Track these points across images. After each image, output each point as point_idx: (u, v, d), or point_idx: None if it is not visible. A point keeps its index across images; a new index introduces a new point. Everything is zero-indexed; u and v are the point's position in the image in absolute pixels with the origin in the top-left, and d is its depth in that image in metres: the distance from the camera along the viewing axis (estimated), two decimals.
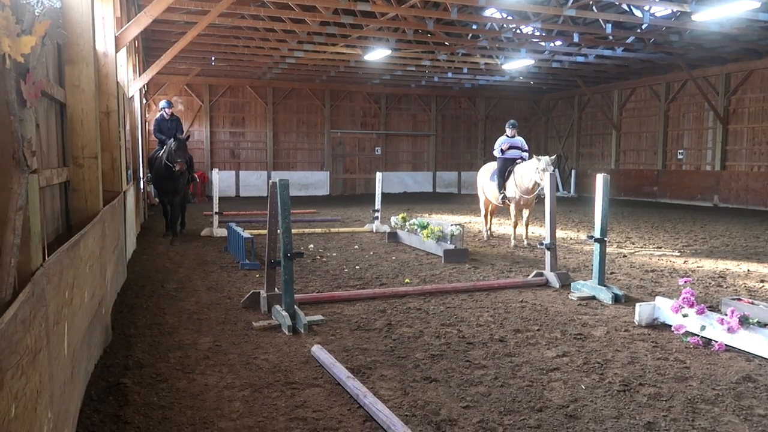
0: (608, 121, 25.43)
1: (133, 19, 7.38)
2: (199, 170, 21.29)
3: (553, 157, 9.89)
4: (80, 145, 4.39)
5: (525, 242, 10.72)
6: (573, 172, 27.29)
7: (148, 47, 17.61)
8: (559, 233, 12.45)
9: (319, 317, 5.65)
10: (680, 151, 22.43)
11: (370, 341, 5.09)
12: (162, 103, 12.00)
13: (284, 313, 5.39)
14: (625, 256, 9.74)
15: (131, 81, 11.48)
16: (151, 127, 13.41)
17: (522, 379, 4.21)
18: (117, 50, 6.77)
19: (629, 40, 17.65)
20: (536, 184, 10.09)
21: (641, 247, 10.70)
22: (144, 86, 15.45)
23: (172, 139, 10.77)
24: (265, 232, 6.70)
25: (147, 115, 18.58)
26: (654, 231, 13.13)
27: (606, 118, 25.47)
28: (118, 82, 7.02)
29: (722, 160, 20.61)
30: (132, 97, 11.47)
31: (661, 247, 10.67)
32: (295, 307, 5.48)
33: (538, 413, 3.65)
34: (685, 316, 5.17)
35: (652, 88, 23.41)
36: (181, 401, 3.78)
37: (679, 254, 9.88)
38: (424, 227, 9.99)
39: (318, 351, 4.59)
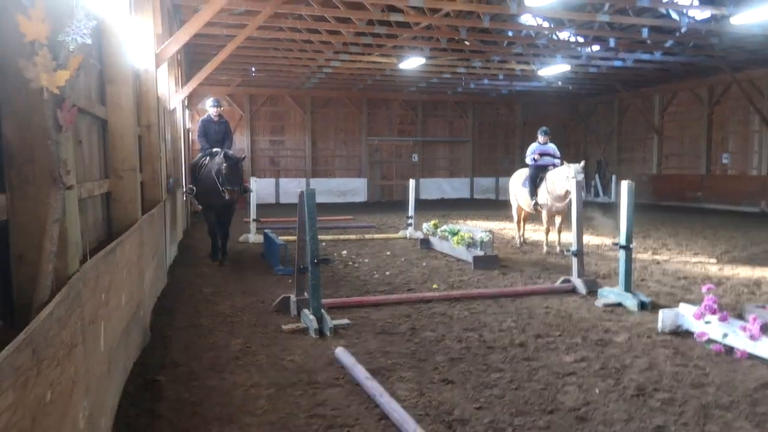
0: (649, 126, 24.94)
1: (173, 36, 7.79)
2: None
3: (582, 164, 9.85)
4: (120, 158, 4.73)
5: (557, 249, 10.70)
6: (613, 177, 26.83)
7: (190, 60, 18.29)
8: (594, 240, 12.35)
9: (345, 321, 5.86)
10: (724, 155, 21.81)
11: (393, 344, 5.26)
12: (208, 102, 9.83)
13: (311, 316, 5.61)
14: (658, 263, 9.62)
15: (173, 94, 11.99)
16: (195, 131, 11.78)
17: (537, 383, 4.31)
18: (157, 67, 7.17)
19: (668, 44, 17.33)
20: (568, 192, 10.07)
21: (677, 254, 10.54)
22: (186, 98, 16.05)
23: (222, 155, 8.69)
24: (294, 238, 6.95)
25: (189, 126, 19.23)
26: (693, 237, 12.87)
27: (647, 122, 24.99)
28: (158, 97, 7.43)
29: None
30: (174, 109, 11.96)
31: (697, 254, 10.48)
32: (322, 311, 5.70)
33: (548, 415, 3.76)
34: (707, 323, 5.16)
35: (694, 91, 22.86)
36: (211, 398, 4.03)
37: (715, 261, 9.70)
38: (454, 234, 10.11)
39: (341, 353, 4.79)
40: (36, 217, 2.25)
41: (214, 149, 9.19)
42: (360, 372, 4.30)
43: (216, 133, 9.56)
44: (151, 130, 6.84)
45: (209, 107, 9.71)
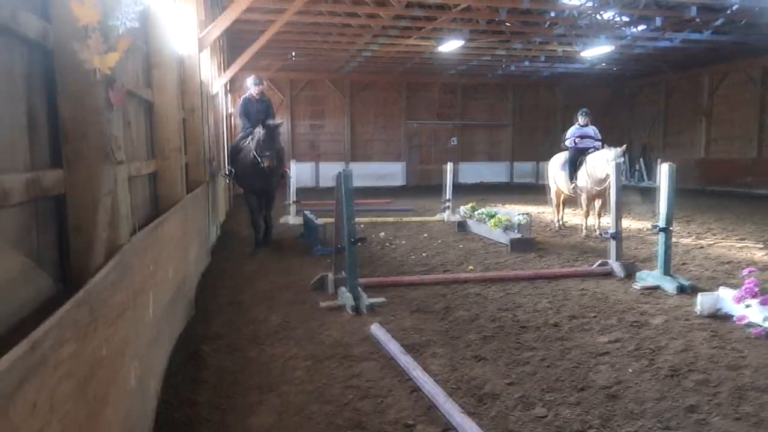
0: (697, 108, 24.12)
1: (215, 21, 7.99)
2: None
3: (623, 148, 9.65)
4: (165, 139, 4.94)
5: (596, 233, 10.57)
6: (659, 161, 26.08)
7: (231, 45, 18.60)
8: (635, 224, 12.14)
9: (381, 299, 5.98)
10: None
11: (427, 322, 5.37)
12: (249, 80, 9.45)
13: (348, 294, 5.76)
14: (701, 247, 9.41)
15: (215, 78, 12.26)
16: (236, 111, 11.35)
17: (569, 362, 4.35)
18: (200, 51, 7.38)
19: (718, 23, 16.69)
20: (608, 176, 9.90)
21: (722, 239, 10.27)
22: (227, 82, 16.37)
23: (260, 126, 8.42)
24: (332, 220, 7.10)
25: (231, 110, 19.62)
26: (739, 222, 12.49)
27: (695, 104, 24.17)
28: (201, 81, 7.65)
29: None
30: (216, 94, 12.25)
31: (743, 239, 10.19)
32: (359, 288, 5.84)
33: (579, 392, 3.80)
34: (747, 306, 5.07)
35: (747, 72, 21.95)
36: (251, 368, 4.22)
37: (762, 246, 9.42)
38: (491, 216, 10.11)
39: (376, 329, 4.92)
40: (89, 190, 2.42)
41: (254, 130, 8.71)
42: (394, 347, 4.42)
43: (258, 112, 9.11)
44: (195, 113, 7.06)
45: (250, 85, 9.38)
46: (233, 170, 9.55)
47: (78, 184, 2.41)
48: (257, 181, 8.76)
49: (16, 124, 2.05)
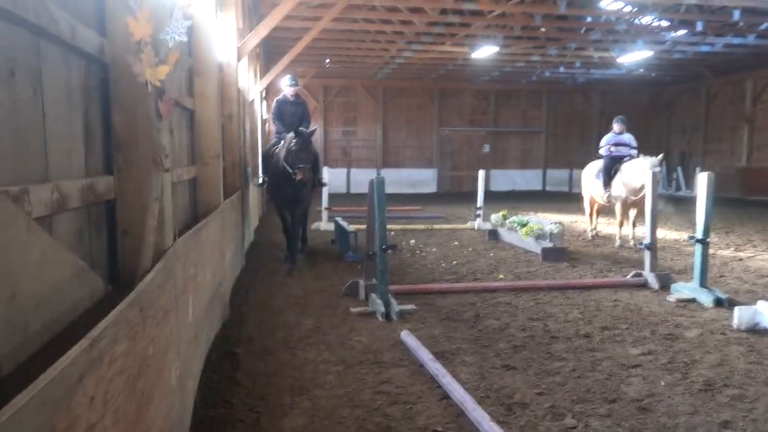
0: (740, 115, 23.51)
1: (253, 30, 8.18)
2: None
3: (660, 157, 9.51)
4: (206, 146, 5.10)
5: (631, 243, 10.41)
6: (698, 170, 25.49)
7: (267, 52, 18.93)
8: (672, 234, 11.92)
9: (411, 307, 6.03)
10: None
11: (457, 330, 5.39)
12: (284, 80, 8.82)
13: (379, 300, 5.83)
14: (741, 259, 9.19)
15: (252, 85, 12.52)
16: (270, 116, 10.44)
17: (600, 373, 4.33)
18: (238, 60, 7.57)
19: (762, 27, 16.28)
20: (644, 185, 9.75)
21: (763, 251, 10.01)
22: (264, 89, 16.67)
23: (293, 134, 7.73)
24: (364, 227, 7.19)
25: (265, 116, 19.96)
26: None
27: (737, 111, 23.56)
28: (239, 89, 7.84)
29: None
30: (252, 100, 12.50)
31: None
32: (389, 295, 5.90)
33: (610, 404, 3.79)
34: None
35: None
36: (284, 371, 4.32)
37: None
38: (523, 225, 10.06)
39: (406, 336, 4.97)
40: (138, 196, 2.54)
41: (289, 135, 7.96)
42: (424, 354, 4.47)
43: (292, 115, 8.57)
44: (233, 120, 7.24)
45: (285, 86, 8.74)
46: (265, 179, 8.90)
47: (128, 191, 2.54)
48: (289, 193, 8.06)
49: (73, 133, 2.19)
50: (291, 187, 7.91)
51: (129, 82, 2.48)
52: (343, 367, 4.40)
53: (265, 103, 18.98)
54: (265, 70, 15.57)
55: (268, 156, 8.88)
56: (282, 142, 8.18)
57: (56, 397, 1.13)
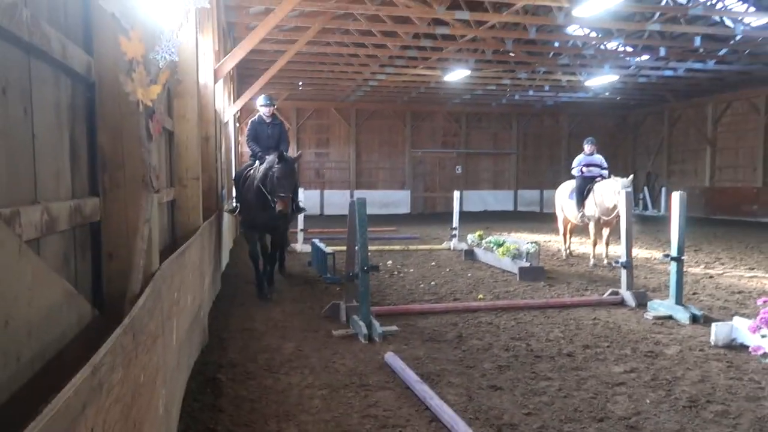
0: (702, 137, 24.30)
1: (230, 53, 8.15)
2: None
3: (631, 177, 9.74)
4: (185, 167, 5.02)
5: (605, 261, 10.58)
6: (663, 190, 26.18)
7: (241, 75, 18.89)
8: (643, 253, 12.15)
9: (393, 328, 5.98)
10: None
11: (441, 351, 5.36)
12: (260, 100, 8.17)
13: (361, 322, 5.76)
14: (711, 276, 9.40)
15: (226, 107, 12.45)
16: (243, 138, 9.60)
17: (586, 392, 4.33)
18: (215, 82, 7.52)
19: (722, 53, 16.96)
20: (616, 206, 9.94)
21: (731, 268, 10.26)
22: (238, 111, 16.59)
23: (275, 157, 7.07)
24: (343, 248, 7.14)
25: (240, 138, 19.84)
26: (748, 252, 12.49)
27: (699, 133, 24.36)
28: (215, 110, 7.78)
29: None
30: (227, 122, 12.41)
31: (753, 269, 10.18)
32: (371, 317, 5.85)
33: (598, 423, 3.79)
34: (763, 336, 5.05)
35: (751, 101, 22.19)
36: (268, 396, 4.22)
37: None
38: (500, 245, 10.13)
39: (391, 358, 4.92)
40: (125, 218, 2.47)
41: (266, 156, 7.45)
42: (410, 376, 4.42)
43: (269, 137, 7.96)
44: (209, 141, 7.16)
45: (260, 106, 8.12)
46: (237, 205, 8.09)
47: (114, 212, 2.47)
48: (263, 219, 7.42)
49: (61, 154, 2.12)
50: (267, 213, 7.25)
51: (115, 100, 2.43)
52: (329, 391, 4.32)
53: (238, 125, 18.87)
54: (238, 93, 15.51)
55: (240, 179, 8.01)
56: (257, 162, 7.63)
57: (62, 429, 1.07)
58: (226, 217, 10.94)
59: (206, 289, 5.74)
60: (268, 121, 8.11)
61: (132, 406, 1.77)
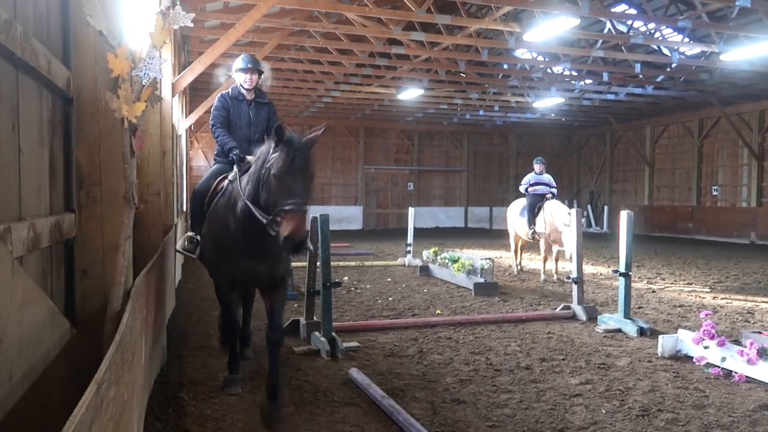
0: (641, 158, 25.48)
1: (187, 67, 8.07)
2: None
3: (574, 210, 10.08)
4: (145, 183, 4.94)
5: (555, 277, 10.92)
6: (606, 208, 27.23)
7: (193, 88, 18.62)
8: (590, 269, 12.59)
9: (355, 344, 6.01)
10: (715, 187, 22.31)
11: (403, 366, 5.42)
12: (238, 62, 5.11)
13: (323, 339, 5.77)
14: (654, 291, 9.85)
15: (180, 121, 12.25)
16: (209, 123, 5.21)
17: (545, 403, 4.48)
18: (173, 95, 7.43)
19: (659, 79, 17.92)
20: (566, 225, 10.20)
21: (671, 283, 10.78)
22: (191, 125, 16.33)
23: (271, 141, 3.97)
24: (303, 264, 7.13)
25: (190, 152, 19.50)
26: (686, 267, 13.14)
27: (639, 154, 25.53)
28: (172, 124, 7.67)
29: (758, 197, 20.42)
30: (180, 135, 12.21)
31: (691, 284, 10.73)
32: (333, 333, 5.86)
33: None
34: (706, 347, 5.36)
35: (685, 124, 23.47)
36: (233, 415, 4.17)
37: (709, 290, 9.94)
38: (455, 261, 10.31)
39: (355, 373, 4.94)
40: (100, 234, 2.45)
41: (248, 158, 4.57)
42: (376, 391, 4.46)
43: (250, 124, 5.10)
44: (166, 155, 7.03)
45: (236, 71, 5.08)
46: (197, 238, 4.91)
47: (89, 229, 2.44)
48: (253, 260, 4.34)
49: (42, 169, 2.10)
50: (259, 249, 4.25)
51: (93, 116, 2.42)
52: (295, 408, 4.30)
53: (190, 140, 18.55)
54: (191, 106, 15.29)
55: (202, 199, 4.90)
56: (234, 169, 4.61)
57: None
58: (180, 230, 10.71)
59: (165, 307, 5.62)
60: (249, 96, 5.10)
61: (119, 424, 1.75)
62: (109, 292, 2.22)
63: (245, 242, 4.26)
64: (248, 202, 4.09)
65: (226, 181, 4.63)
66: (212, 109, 5.16)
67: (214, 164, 5.23)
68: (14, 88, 1.76)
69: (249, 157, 4.59)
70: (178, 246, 4.73)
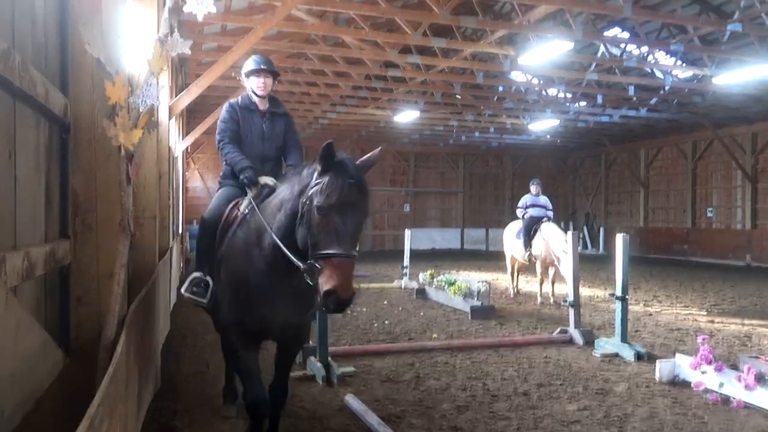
0: (636, 179, 25.62)
1: (185, 89, 8.12)
2: None
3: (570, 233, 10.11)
4: (142, 207, 4.92)
5: (551, 300, 10.89)
6: (601, 229, 27.29)
7: (190, 110, 18.70)
8: (586, 291, 12.56)
9: (351, 369, 5.95)
10: (709, 209, 22.41)
11: (400, 392, 5.36)
12: (249, 64, 4.32)
13: (319, 364, 5.71)
14: (650, 314, 9.82)
15: (177, 143, 12.28)
16: (215, 138, 4.27)
17: (543, 430, 4.43)
18: (170, 118, 7.45)
19: (653, 101, 18.09)
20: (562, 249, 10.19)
21: (668, 306, 10.76)
22: (187, 147, 16.36)
23: (316, 165, 3.22)
24: None
25: (187, 174, 19.51)
26: (682, 290, 13.13)
27: (633, 176, 25.68)
28: (169, 147, 7.68)
29: (753, 219, 20.52)
30: (177, 157, 12.22)
31: (688, 306, 10.71)
32: (329, 359, 5.80)
33: None
34: (703, 373, 5.33)
35: (679, 146, 23.65)
36: None
37: (705, 314, 9.92)
38: (451, 284, 10.28)
39: (351, 400, 4.89)
40: (95, 261, 2.43)
41: (263, 180, 3.86)
42: (372, 418, 4.40)
43: (264, 139, 4.30)
44: (163, 178, 7.03)
45: (247, 74, 4.29)
46: (209, 281, 3.82)
47: (84, 256, 2.42)
48: (279, 311, 3.57)
49: (38, 197, 2.08)
50: (286, 296, 3.51)
51: (90, 143, 2.42)
52: None
53: (187, 161, 18.58)
54: (188, 128, 15.34)
55: (212, 229, 3.96)
56: (248, 193, 3.83)
57: None
58: (175, 255, 10.68)
59: (159, 331, 5.57)
60: (262, 106, 4.30)
61: None
62: (103, 320, 2.20)
63: (273, 287, 3.43)
64: (277, 240, 3.25)
65: (241, 209, 3.76)
66: (219, 121, 4.27)
67: (220, 188, 4.34)
68: (11, 116, 1.76)
69: (264, 179, 3.85)
70: (183, 289, 3.78)
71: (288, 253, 3.19)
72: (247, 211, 3.70)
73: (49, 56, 2.22)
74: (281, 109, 4.50)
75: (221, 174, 4.42)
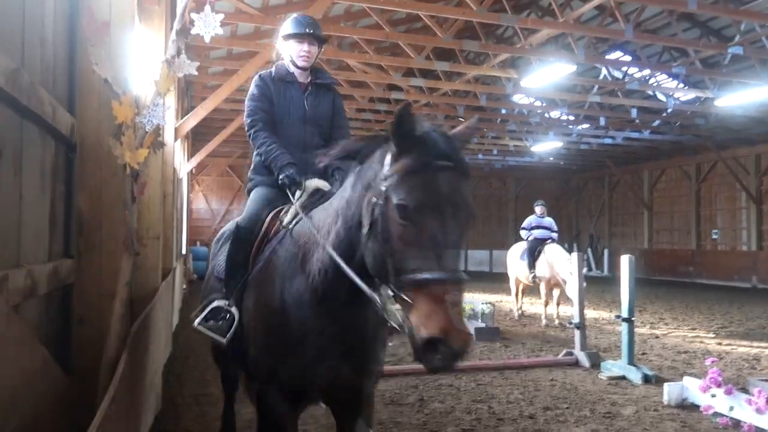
0: (639, 201, 25.60)
1: (190, 111, 8.19)
2: None
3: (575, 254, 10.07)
4: (146, 227, 4.92)
5: (556, 321, 10.79)
6: (606, 251, 27.19)
7: (195, 131, 18.84)
8: (592, 313, 12.46)
9: None
10: (714, 231, 22.34)
11: (403, 415, 5.29)
12: (287, 26, 3.23)
13: None
14: (657, 337, 9.72)
15: (182, 164, 12.35)
16: (244, 119, 3.23)
17: None
18: (176, 139, 7.50)
19: (655, 123, 18.18)
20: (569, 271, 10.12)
21: (675, 328, 10.65)
22: (192, 169, 16.45)
23: (387, 146, 2.09)
24: None
25: (191, 195, 19.57)
26: (688, 312, 13.02)
27: (637, 197, 25.67)
28: (174, 168, 7.72)
29: (758, 240, 20.42)
30: (181, 179, 12.29)
31: (695, 329, 10.60)
32: None
33: None
34: (713, 396, 5.24)
35: (683, 168, 23.67)
36: None
37: (713, 336, 9.82)
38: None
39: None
40: (98, 281, 2.42)
41: (313, 183, 2.88)
42: None
43: (305, 120, 3.26)
44: (167, 199, 7.05)
45: (285, 37, 3.26)
46: (232, 311, 2.76)
47: (87, 275, 2.41)
48: (334, 362, 2.47)
49: (43, 215, 2.09)
50: (344, 340, 2.46)
51: (96, 162, 2.43)
52: None
53: (190, 183, 18.67)
54: (192, 150, 15.44)
55: (248, 242, 2.88)
56: (299, 197, 2.84)
57: None
58: (178, 274, 10.67)
59: (161, 352, 5.53)
60: (302, 78, 3.32)
61: None
62: (104, 340, 2.18)
63: (322, 327, 2.41)
64: (338, 258, 2.24)
65: (284, 221, 2.72)
66: (247, 100, 3.23)
67: (250, 186, 3.26)
68: (18, 135, 1.77)
69: (315, 182, 2.86)
70: (197, 322, 2.83)
71: (352, 275, 2.15)
72: (291, 224, 2.65)
73: (57, 76, 2.24)
74: (328, 79, 3.40)
75: (251, 168, 3.33)
